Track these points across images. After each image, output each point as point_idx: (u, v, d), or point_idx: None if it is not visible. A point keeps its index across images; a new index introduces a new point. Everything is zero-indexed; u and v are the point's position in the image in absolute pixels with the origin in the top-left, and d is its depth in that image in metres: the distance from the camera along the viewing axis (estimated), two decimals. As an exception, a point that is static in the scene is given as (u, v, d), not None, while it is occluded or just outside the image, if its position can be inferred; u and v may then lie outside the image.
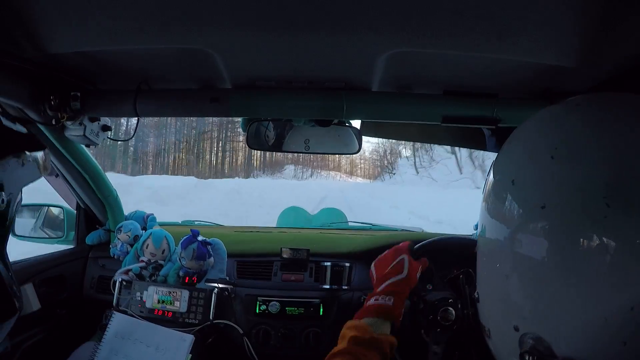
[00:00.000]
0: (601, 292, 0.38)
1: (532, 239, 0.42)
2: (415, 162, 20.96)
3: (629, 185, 0.38)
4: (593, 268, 0.38)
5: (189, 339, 1.06)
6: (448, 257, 0.87)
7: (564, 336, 0.41)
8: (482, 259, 0.53)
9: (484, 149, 1.08)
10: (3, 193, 0.41)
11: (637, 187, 0.37)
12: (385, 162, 27.46)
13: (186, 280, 1.19)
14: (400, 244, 0.83)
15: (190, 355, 1.04)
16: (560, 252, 0.40)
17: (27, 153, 0.45)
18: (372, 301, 0.73)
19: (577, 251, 0.39)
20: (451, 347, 0.84)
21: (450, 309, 0.84)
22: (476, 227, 1.54)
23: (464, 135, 1.07)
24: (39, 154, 0.49)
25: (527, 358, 0.43)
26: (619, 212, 0.37)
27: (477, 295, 0.56)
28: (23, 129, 0.53)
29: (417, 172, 19.93)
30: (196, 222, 1.74)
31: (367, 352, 0.61)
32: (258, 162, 32.58)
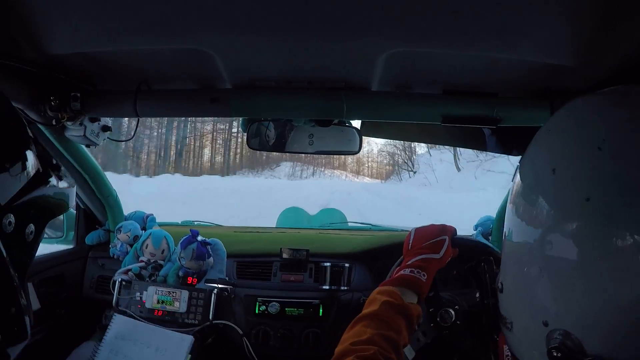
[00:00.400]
0: (636, 290, 0.37)
1: (572, 234, 0.41)
2: (456, 156, 15.20)
3: None
4: (632, 267, 0.37)
5: (188, 339, 1.06)
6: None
7: (596, 334, 0.40)
8: (510, 261, 0.52)
9: (484, 149, 1.08)
10: (32, 225, 0.40)
11: None
12: (402, 157, 23.37)
13: (188, 281, 1.19)
14: (447, 225, 0.81)
15: (190, 355, 1.04)
16: (600, 247, 0.39)
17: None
18: (406, 272, 0.71)
19: (617, 249, 0.38)
20: (437, 347, 0.83)
21: (450, 310, 0.84)
22: (476, 227, 1.54)
23: (464, 135, 1.07)
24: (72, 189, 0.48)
25: (555, 354, 0.42)
26: None
27: (500, 286, 0.55)
28: None
29: (459, 169, 15.16)
30: (195, 223, 1.74)
31: (395, 317, 0.62)
32: (239, 156, 26.93)
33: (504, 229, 0.53)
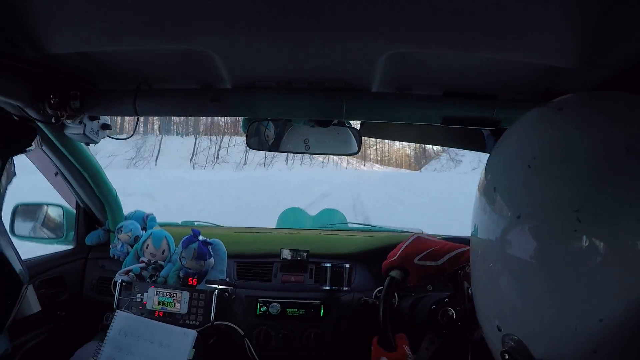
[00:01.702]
0: (570, 303, 0.39)
1: (510, 247, 0.43)
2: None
3: (600, 201, 0.38)
4: (562, 280, 0.39)
5: (191, 334, 1.06)
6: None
7: (539, 340, 0.42)
8: (474, 258, 0.54)
9: (484, 150, 1.08)
10: None
11: (608, 203, 0.38)
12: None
13: (189, 282, 1.18)
14: (373, 348, 0.82)
15: (194, 350, 1.04)
16: (533, 262, 0.41)
17: None
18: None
19: (548, 263, 0.40)
20: (446, 348, 0.84)
21: (450, 309, 0.84)
22: None
23: (463, 136, 1.07)
24: None
25: (506, 357, 0.44)
26: (589, 227, 0.37)
27: (470, 292, 0.58)
28: None
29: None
30: (196, 223, 1.74)
31: None
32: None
33: (471, 223, 0.54)
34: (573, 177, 0.40)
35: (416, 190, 10.41)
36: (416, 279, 0.81)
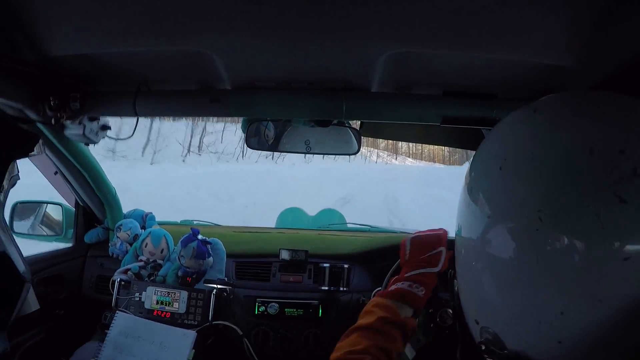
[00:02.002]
0: (533, 298, 0.41)
1: (489, 246, 0.45)
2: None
3: (560, 200, 0.39)
4: (526, 276, 0.41)
5: (191, 335, 1.06)
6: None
7: (510, 332, 0.45)
8: (457, 256, 0.55)
9: None
10: None
11: (567, 202, 0.39)
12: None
13: (187, 280, 1.18)
14: (442, 233, 0.81)
15: (194, 351, 1.04)
16: (504, 259, 0.43)
17: None
18: (404, 285, 0.72)
19: (516, 260, 0.42)
20: (438, 347, 0.84)
21: (450, 311, 0.84)
22: None
23: (463, 136, 1.07)
24: None
25: (482, 348, 0.48)
26: (550, 226, 0.39)
27: (456, 289, 0.59)
28: None
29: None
30: (195, 222, 1.74)
31: (391, 330, 0.64)
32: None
33: (455, 223, 0.56)
34: (537, 177, 0.41)
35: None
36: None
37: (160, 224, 1.42)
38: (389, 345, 0.61)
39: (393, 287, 0.72)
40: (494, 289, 0.46)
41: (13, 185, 0.90)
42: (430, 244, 0.78)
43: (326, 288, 1.22)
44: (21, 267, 0.87)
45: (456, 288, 0.59)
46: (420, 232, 0.83)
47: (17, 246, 0.90)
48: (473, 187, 0.49)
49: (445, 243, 0.79)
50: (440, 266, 0.76)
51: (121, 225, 1.30)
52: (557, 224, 0.39)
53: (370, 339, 0.62)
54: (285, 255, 1.26)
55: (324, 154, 1.15)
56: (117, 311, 1.11)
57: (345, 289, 1.22)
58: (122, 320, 1.08)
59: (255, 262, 1.30)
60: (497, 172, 0.45)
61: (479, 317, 0.49)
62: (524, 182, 0.42)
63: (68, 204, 1.35)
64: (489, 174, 0.47)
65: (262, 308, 1.18)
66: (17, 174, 0.90)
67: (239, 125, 1.24)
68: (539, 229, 0.39)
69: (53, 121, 0.90)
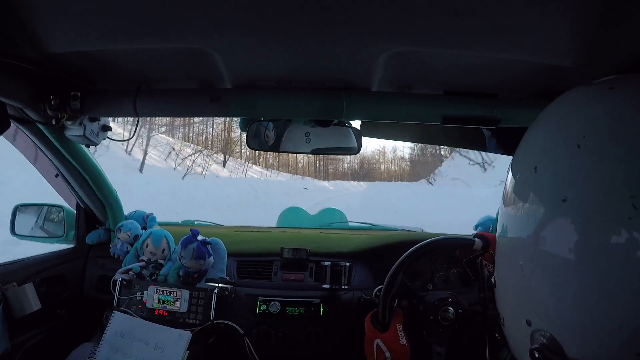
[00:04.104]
0: (619, 298, 0.35)
1: (552, 235, 0.39)
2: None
3: None
4: (613, 271, 0.35)
5: (186, 336, 1.06)
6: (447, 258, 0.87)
7: (576, 338, 0.39)
8: (502, 257, 0.51)
9: (484, 149, 1.08)
10: None
11: None
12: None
13: (189, 279, 1.19)
14: (366, 327, 0.84)
15: (188, 352, 1.04)
16: (579, 250, 0.37)
17: None
18: None
19: (597, 252, 0.36)
20: (454, 347, 0.84)
21: (450, 308, 0.84)
22: (476, 227, 1.55)
23: (464, 135, 1.07)
24: None
25: (536, 355, 0.41)
26: None
27: (494, 281, 0.55)
28: None
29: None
30: (196, 222, 1.74)
31: None
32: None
33: (498, 226, 0.52)
34: (628, 159, 0.36)
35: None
36: (490, 258, 0.78)
37: (161, 224, 1.43)
38: None
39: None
40: (559, 288, 0.39)
41: None
42: (367, 349, 0.83)
43: (327, 286, 1.23)
44: None
45: (493, 280, 0.54)
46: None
47: None
48: (538, 166, 0.42)
49: (372, 331, 0.82)
50: (389, 353, 0.79)
51: (121, 226, 1.31)
52: None
53: None
54: (286, 253, 1.26)
55: (322, 153, 1.14)
56: (114, 311, 1.11)
57: (346, 287, 1.23)
58: (118, 321, 1.08)
59: (256, 261, 1.30)
60: (574, 150, 0.39)
61: (532, 318, 0.43)
62: (611, 163, 0.37)
63: (69, 206, 1.35)
64: (563, 153, 0.41)
65: (263, 307, 1.18)
66: None
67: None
68: (632, 217, 0.34)
69: (54, 121, 0.90)
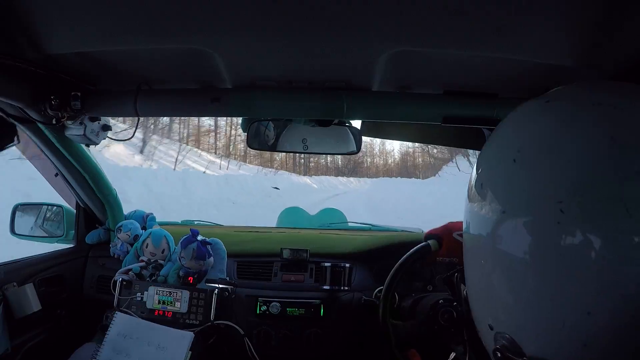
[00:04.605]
0: (557, 297, 0.38)
1: (500, 242, 0.42)
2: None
3: (583, 191, 0.37)
4: (548, 274, 0.38)
5: (188, 336, 1.06)
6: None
7: (529, 337, 0.42)
8: (466, 255, 0.53)
9: None
10: None
11: (591, 193, 0.37)
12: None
13: (189, 280, 1.19)
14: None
15: (190, 352, 1.04)
16: (520, 257, 0.40)
17: None
18: None
19: (533, 257, 0.39)
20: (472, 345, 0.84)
21: (450, 309, 0.84)
22: None
23: (464, 135, 1.07)
24: None
25: (498, 355, 0.44)
26: (573, 218, 0.37)
27: (465, 294, 0.57)
28: None
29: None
30: (196, 222, 1.74)
31: None
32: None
33: (463, 221, 0.54)
34: (556, 168, 0.39)
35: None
36: (446, 252, 0.82)
37: (161, 224, 1.42)
38: None
39: None
40: (511, 290, 0.42)
41: None
42: None
43: (327, 287, 1.22)
44: None
45: (464, 292, 0.57)
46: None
47: None
48: (483, 182, 0.47)
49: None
50: None
51: (121, 226, 1.30)
52: (580, 215, 0.36)
53: None
54: (286, 254, 1.26)
55: (322, 153, 1.14)
56: (116, 312, 1.11)
57: (346, 288, 1.23)
58: (120, 321, 1.08)
59: (256, 261, 1.30)
60: (511, 164, 0.43)
61: (493, 322, 0.46)
62: (541, 174, 0.40)
63: (69, 206, 1.35)
64: (501, 167, 0.45)
65: (263, 307, 1.18)
66: None
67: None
68: (561, 222, 0.37)
69: (54, 121, 0.90)
